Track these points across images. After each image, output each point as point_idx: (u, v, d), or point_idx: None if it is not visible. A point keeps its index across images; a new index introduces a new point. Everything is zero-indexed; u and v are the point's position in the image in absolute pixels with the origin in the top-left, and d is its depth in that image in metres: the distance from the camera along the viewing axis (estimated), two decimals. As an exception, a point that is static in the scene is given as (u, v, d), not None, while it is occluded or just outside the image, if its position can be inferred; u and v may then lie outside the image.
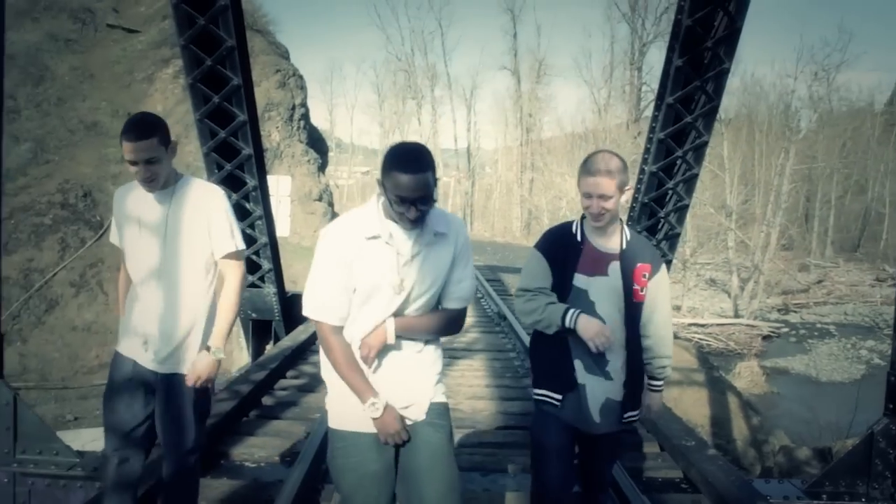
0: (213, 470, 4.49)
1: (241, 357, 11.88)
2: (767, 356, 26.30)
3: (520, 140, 54.44)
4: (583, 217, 3.07)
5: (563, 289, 2.99)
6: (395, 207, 2.46)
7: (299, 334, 9.06)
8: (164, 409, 3.17)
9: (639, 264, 3.00)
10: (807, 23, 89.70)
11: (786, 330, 30.33)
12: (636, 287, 3.00)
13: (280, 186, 12.47)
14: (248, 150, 9.13)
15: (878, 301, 35.62)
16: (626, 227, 3.08)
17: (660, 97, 8.57)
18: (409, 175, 2.41)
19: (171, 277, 3.13)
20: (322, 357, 2.71)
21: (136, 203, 3.16)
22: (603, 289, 2.97)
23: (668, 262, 9.06)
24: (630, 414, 3.12)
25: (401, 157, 2.47)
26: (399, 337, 2.60)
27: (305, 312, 2.61)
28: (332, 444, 2.71)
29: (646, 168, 8.86)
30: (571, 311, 2.91)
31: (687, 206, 9.18)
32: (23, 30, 23.77)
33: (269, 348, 10.38)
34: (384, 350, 2.62)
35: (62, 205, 17.59)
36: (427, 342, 2.73)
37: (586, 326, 2.87)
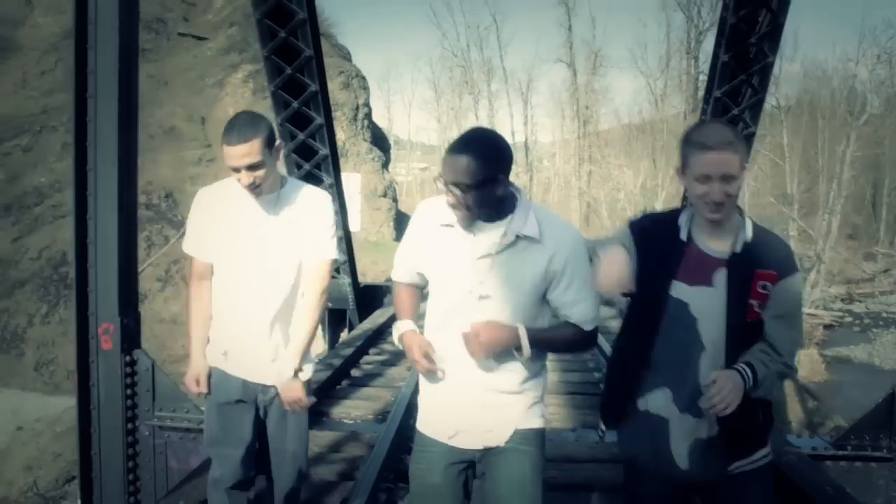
0: (317, 425, 5.27)
1: (316, 345, 12.71)
2: (829, 345, 26.14)
3: (577, 132, 53.95)
4: (688, 206, 2.43)
5: (657, 299, 2.33)
6: (448, 196, 2.29)
7: (377, 318, 9.86)
8: (277, 427, 2.99)
9: (757, 271, 2.26)
10: (868, 4, 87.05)
11: (849, 319, 29.96)
12: (752, 302, 2.26)
13: (350, 184, 13.25)
14: (324, 151, 9.98)
15: (948, 289, 35.06)
16: (748, 221, 2.33)
17: (708, 91, 9.12)
18: (451, 156, 2.24)
19: (273, 291, 2.88)
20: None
21: (232, 209, 2.88)
22: (706, 304, 2.29)
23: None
24: (738, 463, 2.39)
25: (454, 141, 2.30)
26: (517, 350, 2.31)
27: (392, 276, 2.64)
28: (414, 444, 2.61)
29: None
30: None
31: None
32: (103, 41, 25.25)
33: (345, 336, 11.18)
34: (473, 365, 2.35)
35: (146, 205, 18.84)
36: (526, 363, 2.40)
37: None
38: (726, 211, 2.26)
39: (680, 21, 50.84)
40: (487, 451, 2.43)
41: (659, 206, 40.80)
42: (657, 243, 2.38)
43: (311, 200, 2.93)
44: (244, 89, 24.45)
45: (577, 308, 2.36)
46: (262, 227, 2.85)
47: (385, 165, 29.15)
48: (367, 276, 14.78)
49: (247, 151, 2.69)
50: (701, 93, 51.26)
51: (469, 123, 57.31)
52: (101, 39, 4.86)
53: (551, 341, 2.41)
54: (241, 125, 2.73)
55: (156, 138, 20.47)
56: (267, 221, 2.86)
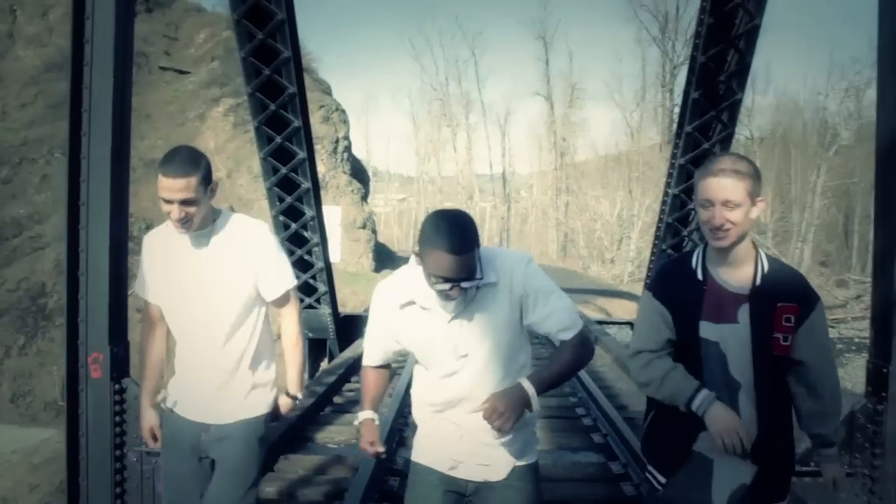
0: (301, 450, 5.41)
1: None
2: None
3: (554, 164, 54.54)
4: (705, 246, 2.43)
5: (688, 343, 2.36)
6: (434, 286, 2.26)
7: (358, 347, 10.04)
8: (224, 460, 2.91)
9: (779, 304, 2.29)
10: (836, 41, 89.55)
11: (822, 345, 30.37)
12: (777, 336, 2.29)
13: (331, 216, 13.45)
14: (306, 184, 10.18)
15: (917, 316, 35.63)
16: (762, 254, 2.37)
17: (680, 126, 9.48)
18: (453, 256, 2.19)
19: (219, 324, 2.83)
20: (412, 397, 2.65)
21: (169, 248, 2.85)
22: (734, 340, 2.30)
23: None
24: None
25: (443, 232, 2.22)
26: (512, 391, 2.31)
27: (363, 362, 2.69)
28: (409, 475, 2.68)
29: (669, 190, 9.72)
30: (703, 393, 2.32)
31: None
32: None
33: (324, 365, 11.34)
34: (466, 403, 2.42)
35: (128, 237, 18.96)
36: None
37: (716, 418, 2.28)
38: (730, 238, 2.26)
39: (655, 55, 51.77)
40: (484, 486, 2.49)
41: (635, 235, 41.38)
42: (679, 291, 2.39)
43: (250, 234, 2.86)
44: (224, 122, 24.68)
45: (553, 320, 2.38)
46: (199, 263, 2.81)
47: (364, 198, 29.41)
48: (347, 306, 14.92)
49: (183, 186, 2.63)
50: (675, 126, 52.16)
51: (447, 155, 57.77)
52: (96, 80, 5.04)
53: (553, 375, 2.38)
54: (182, 159, 2.67)
55: (137, 170, 20.51)
56: (203, 258, 2.81)
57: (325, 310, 11.70)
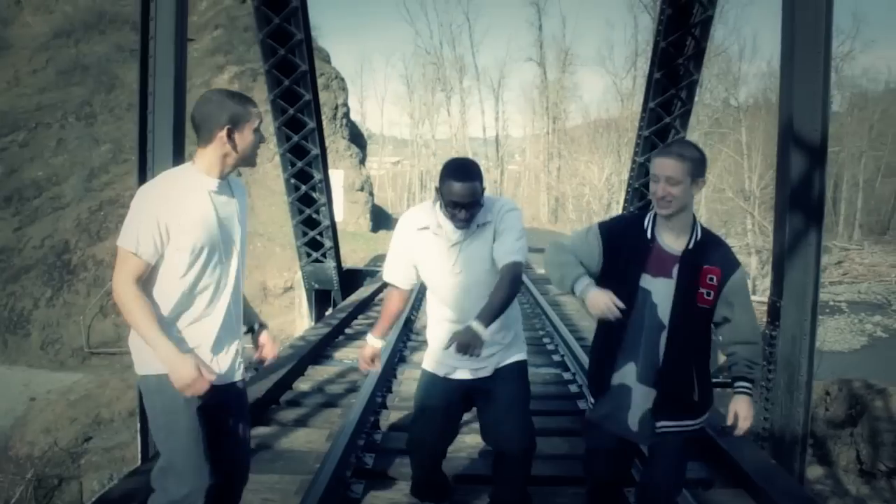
0: (324, 363, 6.86)
1: (302, 324, 14.20)
2: (775, 330, 27.67)
3: (546, 129, 54.93)
4: (655, 212, 2.81)
5: (628, 288, 2.73)
6: (448, 210, 2.88)
7: (361, 294, 11.52)
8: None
9: (705, 266, 2.72)
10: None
11: (797, 307, 31.46)
12: (701, 291, 2.71)
13: (335, 179, 14.71)
14: (315, 151, 11.50)
15: (893, 280, 36.70)
16: (699, 226, 2.81)
17: (645, 102, 10.67)
18: (461, 183, 2.81)
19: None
20: (427, 312, 3.28)
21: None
22: (664, 291, 2.73)
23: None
24: (664, 424, 2.81)
25: (454, 168, 2.88)
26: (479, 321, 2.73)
27: (384, 277, 3.21)
28: (419, 380, 3.29)
29: (636, 159, 10.99)
30: (584, 280, 2.77)
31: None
32: (92, 42, 26.36)
33: (329, 313, 12.71)
34: (459, 312, 3.04)
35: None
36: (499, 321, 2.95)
37: (595, 300, 2.68)
38: (671, 208, 2.69)
39: (646, 22, 52.25)
40: (479, 381, 3.13)
41: (622, 199, 42.23)
42: (627, 241, 2.81)
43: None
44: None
45: (502, 241, 2.95)
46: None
47: (362, 161, 30.59)
48: (346, 262, 16.19)
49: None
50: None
51: (441, 119, 58.05)
52: (160, 63, 6.23)
53: (493, 309, 2.82)
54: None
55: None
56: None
57: (330, 263, 13.08)
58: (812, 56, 5.46)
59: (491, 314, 2.79)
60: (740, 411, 2.79)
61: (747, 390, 2.81)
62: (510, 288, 2.87)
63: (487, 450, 3.60)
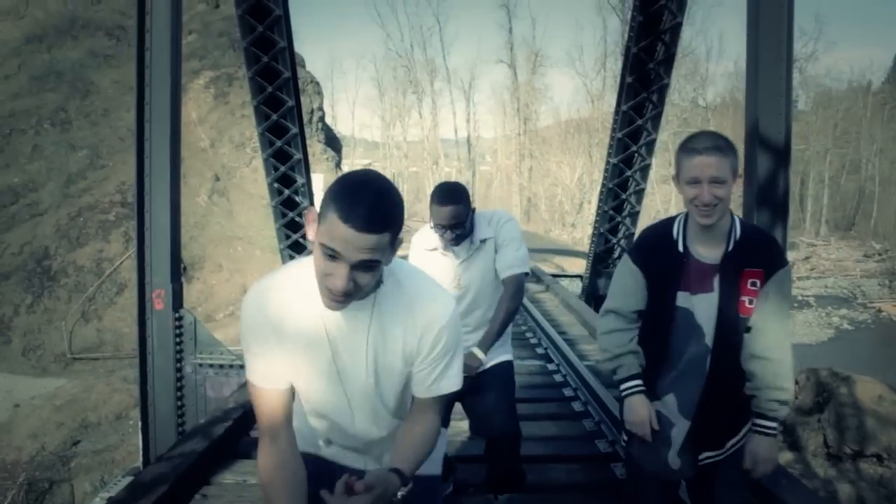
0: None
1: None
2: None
3: (518, 130, 55.25)
4: (685, 217, 2.47)
5: (664, 311, 2.43)
6: (437, 231, 3.12)
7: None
8: None
9: (746, 269, 2.35)
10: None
11: (766, 302, 32.24)
12: (743, 299, 2.35)
13: (316, 183, 14.90)
14: (298, 155, 11.70)
15: (857, 275, 37.85)
16: (737, 222, 2.42)
17: (617, 105, 11.05)
18: (444, 207, 3.01)
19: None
20: None
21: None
22: (708, 310, 2.38)
23: (628, 237, 11.52)
24: (707, 455, 2.51)
25: (439, 193, 3.08)
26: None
27: None
28: None
29: (610, 160, 11.37)
30: (632, 382, 2.51)
31: (643, 189, 11.67)
32: (65, 47, 26.27)
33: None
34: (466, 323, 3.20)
35: (122, 203, 20.21)
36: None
37: (632, 408, 2.48)
38: (717, 214, 2.30)
39: (615, 24, 53.00)
40: (468, 379, 3.10)
41: (594, 200, 42.96)
42: (658, 259, 2.46)
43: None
44: (206, 95, 25.75)
45: (503, 254, 3.21)
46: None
47: (338, 164, 30.77)
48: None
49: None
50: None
51: (413, 121, 58.26)
52: (156, 77, 6.53)
53: (494, 332, 3.21)
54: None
55: (126, 140, 21.76)
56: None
57: (313, 266, 13.27)
58: (775, 60, 5.76)
59: (491, 341, 3.15)
60: (760, 453, 2.46)
61: (770, 431, 2.46)
62: (511, 302, 3.19)
63: None
